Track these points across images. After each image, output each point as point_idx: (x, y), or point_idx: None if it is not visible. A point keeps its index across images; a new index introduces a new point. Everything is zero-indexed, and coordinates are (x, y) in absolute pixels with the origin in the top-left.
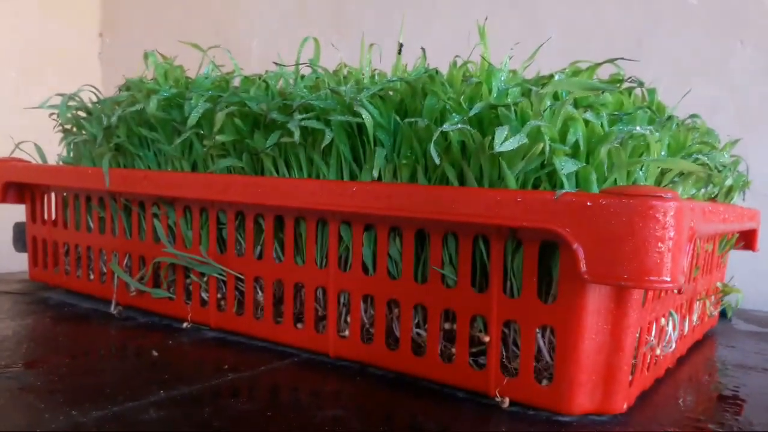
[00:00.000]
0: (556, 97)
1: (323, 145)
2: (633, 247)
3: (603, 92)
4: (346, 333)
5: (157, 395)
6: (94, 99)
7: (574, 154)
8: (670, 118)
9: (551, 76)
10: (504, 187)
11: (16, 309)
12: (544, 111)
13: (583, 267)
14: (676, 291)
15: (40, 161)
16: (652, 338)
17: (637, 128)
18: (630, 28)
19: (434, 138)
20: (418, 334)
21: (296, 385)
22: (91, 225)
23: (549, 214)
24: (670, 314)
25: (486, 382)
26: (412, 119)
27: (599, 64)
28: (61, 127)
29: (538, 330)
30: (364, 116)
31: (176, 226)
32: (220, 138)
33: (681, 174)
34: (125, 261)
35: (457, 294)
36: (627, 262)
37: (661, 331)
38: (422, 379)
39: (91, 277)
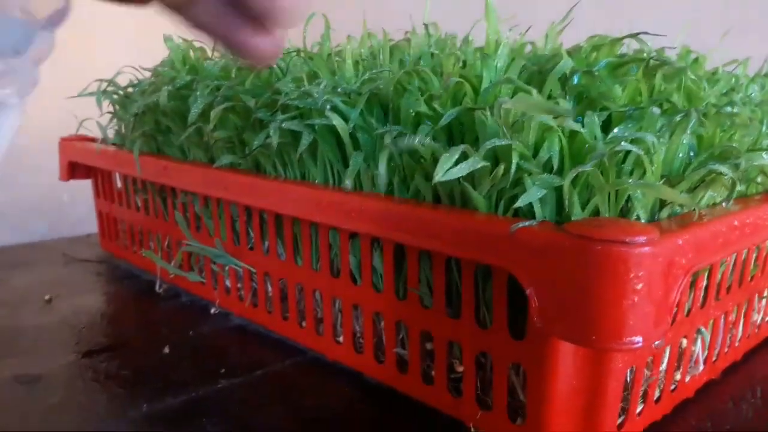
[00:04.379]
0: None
1: (304, 148)
2: (592, 301)
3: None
4: (341, 339)
5: (139, 410)
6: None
7: (560, 170)
8: (687, 114)
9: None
10: (474, 208)
11: (85, 282)
12: (513, 123)
13: (535, 317)
14: (654, 345)
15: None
16: (660, 372)
17: (627, 145)
18: None
19: (383, 157)
20: (402, 350)
21: (283, 398)
22: (139, 205)
23: (504, 250)
24: (699, 332)
25: (462, 412)
26: (383, 129)
27: (620, 40)
28: (111, 108)
29: (510, 365)
30: (335, 122)
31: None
32: (217, 135)
33: (703, 180)
34: (166, 241)
35: (433, 316)
36: (584, 318)
37: (684, 353)
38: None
39: (142, 253)
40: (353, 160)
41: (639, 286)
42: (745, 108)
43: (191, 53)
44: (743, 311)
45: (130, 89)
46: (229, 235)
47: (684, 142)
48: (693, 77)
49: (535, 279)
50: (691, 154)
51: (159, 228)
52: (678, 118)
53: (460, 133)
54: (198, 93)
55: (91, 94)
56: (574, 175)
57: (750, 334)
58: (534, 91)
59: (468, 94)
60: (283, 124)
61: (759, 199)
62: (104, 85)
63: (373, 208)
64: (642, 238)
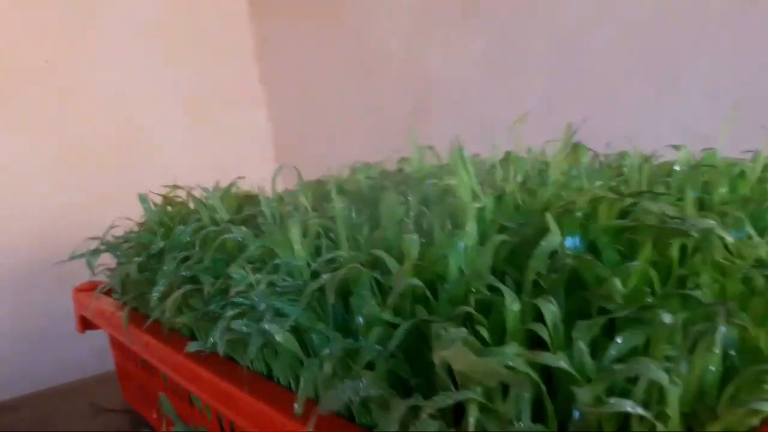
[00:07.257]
0: None
1: (254, 352)
2: None
3: None
4: None
5: None
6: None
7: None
8: (712, 327)
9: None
10: None
11: None
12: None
13: None
14: None
15: None
16: None
17: (616, 402)
18: None
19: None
20: None
21: None
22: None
23: None
24: None
25: None
26: (326, 351)
27: (622, 198)
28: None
29: None
30: (278, 338)
31: None
32: (179, 320)
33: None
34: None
35: None
36: None
37: None
38: None
39: (154, 416)
40: (303, 379)
41: None
42: None
43: (169, 210)
44: None
45: (123, 242)
46: (215, 414)
47: (716, 351)
48: (724, 236)
49: None
50: (733, 353)
51: (159, 390)
52: (701, 326)
53: (422, 340)
54: (164, 267)
55: (81, 255)
56: None
57: None
58: (508, 290)
59: (429, 290)
60: (231, 324)
61: None
62: (95, 243)
63: None
64: None
